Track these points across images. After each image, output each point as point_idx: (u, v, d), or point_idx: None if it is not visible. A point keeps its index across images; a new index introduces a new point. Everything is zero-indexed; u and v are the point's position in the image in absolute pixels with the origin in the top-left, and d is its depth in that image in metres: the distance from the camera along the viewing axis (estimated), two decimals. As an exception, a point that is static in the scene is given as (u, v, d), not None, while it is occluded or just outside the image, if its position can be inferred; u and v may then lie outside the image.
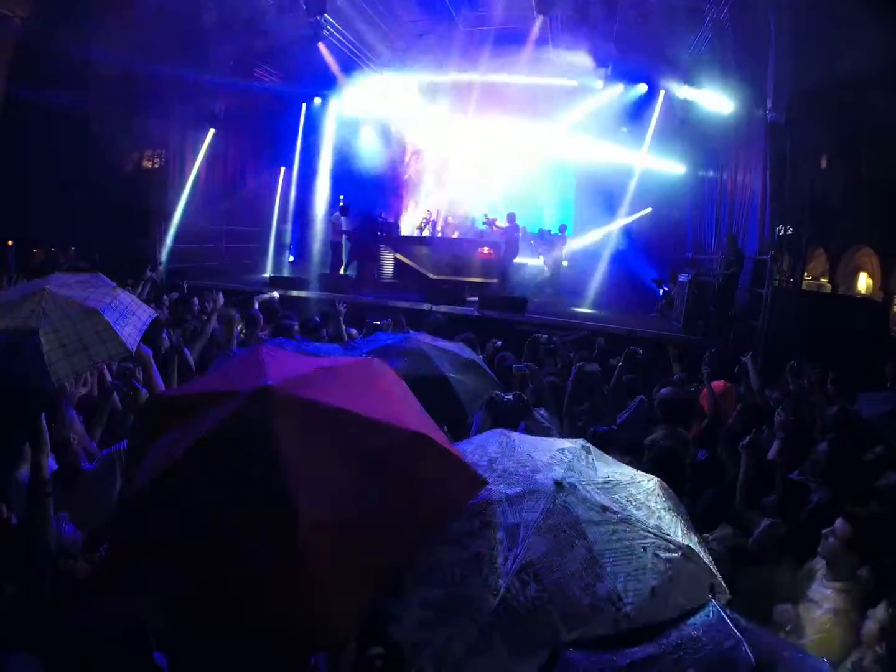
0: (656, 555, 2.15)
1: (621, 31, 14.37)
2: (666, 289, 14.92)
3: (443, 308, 12.14)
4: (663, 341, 10.11)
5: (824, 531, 3.25)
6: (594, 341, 7.89)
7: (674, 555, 2.18)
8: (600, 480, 2.41)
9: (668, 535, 2.22)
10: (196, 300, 8.82)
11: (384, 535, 2.10)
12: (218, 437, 2.08)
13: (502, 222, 16.31)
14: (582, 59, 15.15)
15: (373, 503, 2.08)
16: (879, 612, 2.84)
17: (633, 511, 2.28)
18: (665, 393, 5.28)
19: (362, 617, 2.06)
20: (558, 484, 2.28)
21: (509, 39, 15.95)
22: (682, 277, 13.29)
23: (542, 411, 4.74)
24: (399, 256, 16.29)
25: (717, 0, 12.93)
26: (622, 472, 2.57)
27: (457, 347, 4.91)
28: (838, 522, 3.22)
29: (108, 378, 4.93)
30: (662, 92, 15.90)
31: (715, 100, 14.58)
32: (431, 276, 15.48)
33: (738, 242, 12.39)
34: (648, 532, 2.20)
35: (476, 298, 13.18)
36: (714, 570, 2.30)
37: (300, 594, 1.93)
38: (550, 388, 5.33)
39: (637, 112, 16.72)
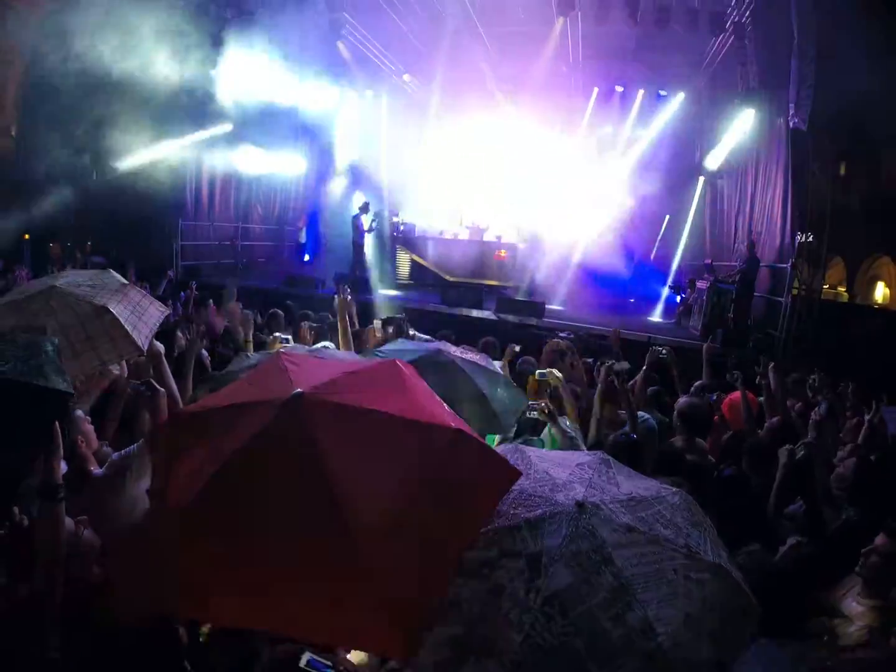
0: (687, 576, 2.02)
1: (641, 34, 14.31)
2: (683, 295, 14.69)
3: (462, 311, 12.06)
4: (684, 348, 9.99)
5: (864, 550, 3.11)
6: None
7: (705, 575, 2.05)
8: (624, 497, 2.25)
9: (699, 555, 2.09)
10: (211, 300, 8.83)
11: (440, 532, 2.04)
12: (256, 448, 2.06)
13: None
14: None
15: (425, 502, 2.04)
16: None
17: (661, 530, 2.13)
18: (684, 404, 5.18)
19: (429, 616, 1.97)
20: (580, 504, 2.13)
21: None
22: (701, 284, 13.12)
23: (565, 420, 4.67)
24: (415, 257, 16.22)
25: (739, 3, 12.86)
26: (646, 486, 2.42)
27: (484, 360, 4.87)
28: (879, 539, 3.08)
29: (125, 374, 4.85)
30: (681, 95, 15.75)
31: (736, 105, 14.46)
32: (448, 277, 15.40)
33: (754, 249, 12.26)
34: (678, 552, 2.06)
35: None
36: (745, 587, 2.17)
37: (363, 598, 1.88)
38: (573, 395, 5.22)
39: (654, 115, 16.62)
